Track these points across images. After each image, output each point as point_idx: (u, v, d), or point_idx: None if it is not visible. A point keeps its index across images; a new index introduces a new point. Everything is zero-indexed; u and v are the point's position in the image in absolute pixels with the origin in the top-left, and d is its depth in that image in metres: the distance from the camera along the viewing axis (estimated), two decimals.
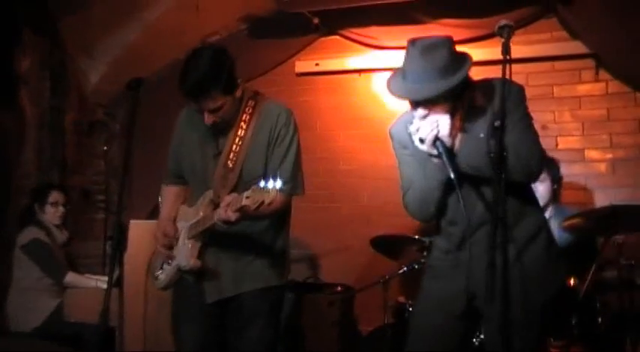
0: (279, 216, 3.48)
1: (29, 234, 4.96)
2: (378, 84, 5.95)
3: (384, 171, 5.62)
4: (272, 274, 3.42)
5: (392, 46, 5.79)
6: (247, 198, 2.90)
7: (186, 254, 3.29)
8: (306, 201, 6.05)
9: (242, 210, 2.97)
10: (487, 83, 2.90)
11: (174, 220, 3.45)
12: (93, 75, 6.08)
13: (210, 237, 3.30)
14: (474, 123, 2.85)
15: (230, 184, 3.26)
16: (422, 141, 2.80)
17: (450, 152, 2.79)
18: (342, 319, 5.27)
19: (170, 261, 3.41)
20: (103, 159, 6.36)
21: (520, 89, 2.86)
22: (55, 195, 5.14)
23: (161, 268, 3.48)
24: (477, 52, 5.45)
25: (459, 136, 2.83)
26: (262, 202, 2.86)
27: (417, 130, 2.81)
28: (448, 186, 2.87)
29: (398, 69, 2.89)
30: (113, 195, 6.27)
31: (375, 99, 5.98)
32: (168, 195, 3.60)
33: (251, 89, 3.46)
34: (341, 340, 5.20)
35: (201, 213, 3.26)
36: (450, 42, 2.80)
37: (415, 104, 2.84)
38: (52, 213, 5.10)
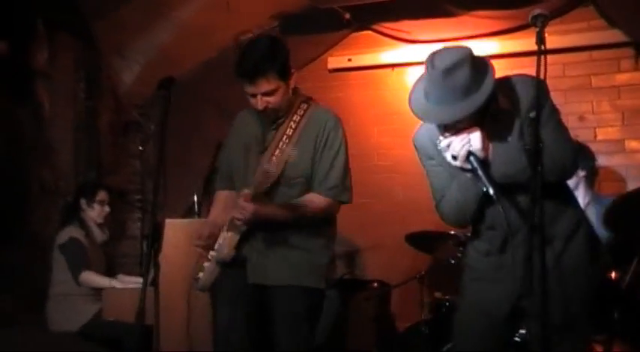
0: (326, 222, 3.51)
1: (69, 232, 4.96)
2: (412, 78, 5.85)
3: (418, 167, 5.53)
4: (316, 276, 3.43)
5: (425, 40, 5.77)
6: (267, 166, 3.11)
7: (225, 246, 3.34)
8: None
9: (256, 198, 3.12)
10: (506, 82, 2.83)
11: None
12: (127, 76, 6.10)
13: (248, 230, 3.32)
14: (501, 128, 2.79)
15: (270, 181, 3.29)
16: (455, 157, 2.74)
17: (484, 165, 2.73)
18: (378, 315, 5.25)
19: (210, 259, 3.43)
20: (138, 159, 6.38)
21: (541, 82, 2.79)
22: (102, 194, 5.17)
23: (201, 270, 3.50)
24: (511, 43, 5.47)
25: (490, 146, 2.77)
26: (286, 162, 3.05)
27: (448, 147, 2.76)
28: (485, 198, 2.81)
29: (418, 84, 2.84)
30: (149, 195, 6.30)
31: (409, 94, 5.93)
32: (218, 199, 3.65)
33: (305, 94, 3.54)
34: (378, 336, 5.18)
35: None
36: (469, 56, 2.71)
37: (442, 125, 2.80)
38: (98, 211, 5.13)
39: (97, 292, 4.90)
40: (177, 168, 5.67)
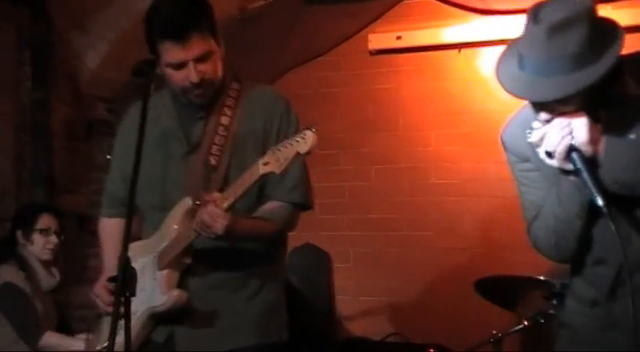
0: (275, 244, 3.50)
1: (2, 275, 4.97)
2: (486, 63, 5.93)
3: (494, 187, 5.60)
4: (277, 324, 3.43)
5: (504, 10, 5.78)
6: (266, 164, 2.97)
7: (160, 288, 3.28)
8: (384, 229, 6.12)
9: (233, 207, 3.05)
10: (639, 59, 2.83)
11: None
12: (90, 57, 6.15)
13: (192, 263, 3.29)
14: (624, 120, 2.78)
15: (213, 188, 3.25)
16: (550, 154, 2.73)
17: (591, 165, 2.72)
18: None
19: (134, 311, 3.35)
20: (105, 172, 6.41)
21: None
22: (46, 220, 5.14)
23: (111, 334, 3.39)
24: (624, 13, 5.43)
25: (603, 141, 2.75)
26: (297, 154, 2.93)
27: (542, 140, 2.75)
28: (593, 212, 2.80)
29: (510, 47, 2.83)
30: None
31: (482, 84, 5.98)
32: (107, 232, 3.63)
33: (232, 69, 3.51)
34: None
35: (176, 227, 3.27)
36: (590, 12, 2.70)
37: (537, 104, 2.79)
38: (41, 244, 5.09)
39: None
40: None
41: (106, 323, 3.39)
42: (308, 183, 3.45)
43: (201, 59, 3.24)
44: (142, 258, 3.36)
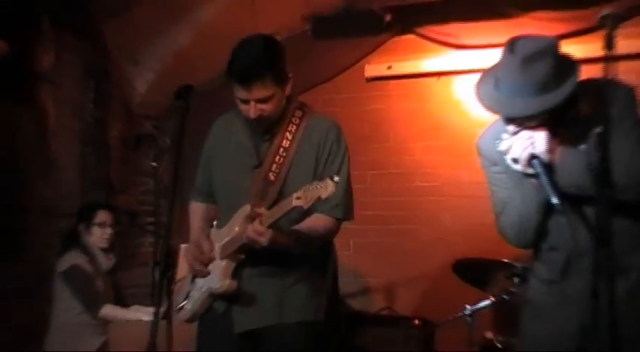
0: (326, 244, 3.52)
1: (69, 259, 5.00)
2: (460, 88, 5.91)
3: (467, 189, 5.58)
4: (314, 307, 3.42)
5: (476, 45, 5.74)
6: (298, 198, 2.94)
7: (219, 275, 3.31)
8: (378, 224, 6.10)
9: (275, 225, 3.06)
10: (590, 84, 2.80)
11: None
12: (140, 84, 6.15)
13: (246, 257, 3.32)
14: (574, 133, 2.76)
15: (270, 199, 3.26)
16: (515, 160, 2.74)
17: (549, 170, 2.72)
18: None
19: (199, 287, 3.43)
20: (151, 177, 6.41)
21: (629, 90, 2.77)
22: (102, 215, 5.19)
23: (186, 298, 3.49)
24: (576, 48, 5.35)
25: (558, 150, 2.75)
26: (318, 198, 2.91)
27: (509, 148, 2.76)
28: (549, 209, 2.80)
29: (489, 71, 2.83)
30: (163, 217, 6.32)
31: (457, 105, 5.95)
32: (198, 212, 3.66)
33: (298, 99, 3.52)
34: None
35: (237, 229, 3.27)
36: (556, 47, 2.71)
37: (508, 119, 2.79)
38: (99, 235, 5.14)
39: (103, 323, 4.94)
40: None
41: (184, 288, 3.57)
42: (350, 199, 3.44)
43: (261, 101, 3.23)
44: (214, 244, 3.42)
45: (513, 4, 5.55)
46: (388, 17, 5.98)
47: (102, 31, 5.78)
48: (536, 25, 5.31)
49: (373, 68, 6.29)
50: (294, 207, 3.00)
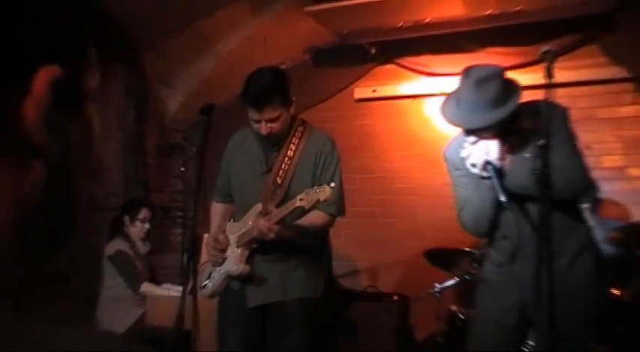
0: (323, 236, 3.55)
1: (115, 245, 5.05)
2: (430, 108, 5.91)
3: (437, 189, 5.57)
4: (313, 286, 3.44)
5: (443, 73, 5.75)
6: (301, 199, 3.01)
7: (235, 260, 3.34)
8: (364, 217, 6.11)
9: (282, 221, 3.13)
10: (532, 105, 2.85)
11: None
12: (172, 103, 6.16)
13: (257, 246, 3.35)
14: (520, 144, 2.81)
15: (277, 198, 3.31)
16: (474, 165, 2.77)
17: (500, 174, 2.75)
18: (398, 326, 5.22)
19: (219, 269, 3.45)
20: (180, 179, 6.42)
21: (564, 110, 2.81)
22: (144, 212, 5.24)
23: (208, 278, 3.52)
24: (523, 77, 5.37)
25: (508, 158, 2.78)
26: (317, 200, 2.97)
27: (469, 155, 2.78)
28: (501, 205, 2.82)
29: (451, 94, 2.87)
30: (189, 212, 6.32)
31: (428, 122, 5.94)
32: (218, 211, 3.69)
33: (300, 117, 3.57)
34: (398, 345, 5.15)
35: (250, 223, 3.31)
36: (502, 73, 2.76)
37: (467, 131, 2.82)
38: (139, 227, 5.19)
39: (141, 298, 4.96)
40: (215, 188, 5.71)
41: (207, 270, 3.59)
42: (342, 199, 3.47)
43: (270, 120, 3.27)
44: (230, 234, 3.46)
45: (472, 41, 5.57)
46: (373, 50, 6.00)
47: (141, 60, 5.80)
48: (490, 58, 5.32)
49: (361, 91, 6.29)
50: (297, 207, 3.06)
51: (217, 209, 3.70)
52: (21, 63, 0.57)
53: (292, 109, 3.40)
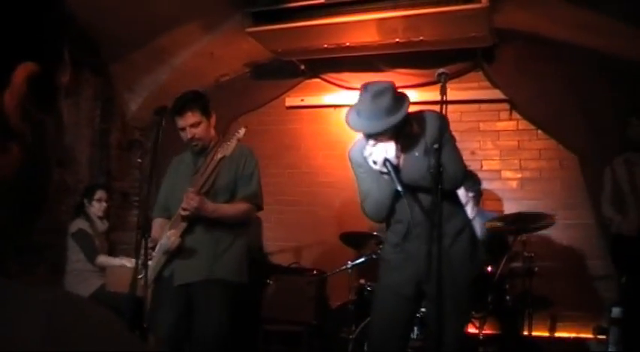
0: (243, 225, 3.45)
1: (77, 224, 4.91)
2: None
3: (352, 184, 5.57)
4: (236, 271, 3.34)
5: (359, 88, 5.76)
6: (222, 155, 3.17)
7: (169, 239, 3.25)
8: (292, 205, 6.12)
9: (200, 192, 3.14)
10: (419, 114, 2.93)
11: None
12: (132, 105, 6.04)
13: (188, 225, 3.26)
14: (411, 145, 2.86)
15: (205, 188, 3.25)
16: (375, 162, 2.80)
17: (396, 170, 2.79)
18: (316, 296, 5.24)
19: (159, 250, 3.35)
20: (138, 169, 6.32)
21: (444, 118, 2.86)
22: (99, 193, 5.09)
23: (145, 268, 3.33)
24: (423, 94, 5.55)
25: (402, 156, 2.83)
26: (238, 140, 3.13)
27: (371, 154, 2.82)
28: (396, 195, 2.87)
29: (353, 106, 2.90)
30: (144, 196, 6.23)
31: (346, 127, 5.89)
32: (158, 223, 3.51)
33: (222, 130, 3.63)
34: (316, 311, 5.19)
35: (180, 210, 3.25)
36: (392, 87, 2.80)
37: (367, 135, 2.86)
38: (97, 207, 5.05)
39: (101, 270, 4.84)
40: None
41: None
42: (260, 192, 3.45)
43: (192, 126, 3.27)
44: (167, 226, 3.37)
45: (384, 63, 5.65)
46: (302, 67, 6.01)
47: (108, 68, 5.68)
48: (399, 77, 5.42)
49: (291, 100, 6.28)
50: (221, 159, 3.12)
51: (157, 222, 3.51)
52: (3, 59, 0.57)
53: (213, 120, 3.38)
